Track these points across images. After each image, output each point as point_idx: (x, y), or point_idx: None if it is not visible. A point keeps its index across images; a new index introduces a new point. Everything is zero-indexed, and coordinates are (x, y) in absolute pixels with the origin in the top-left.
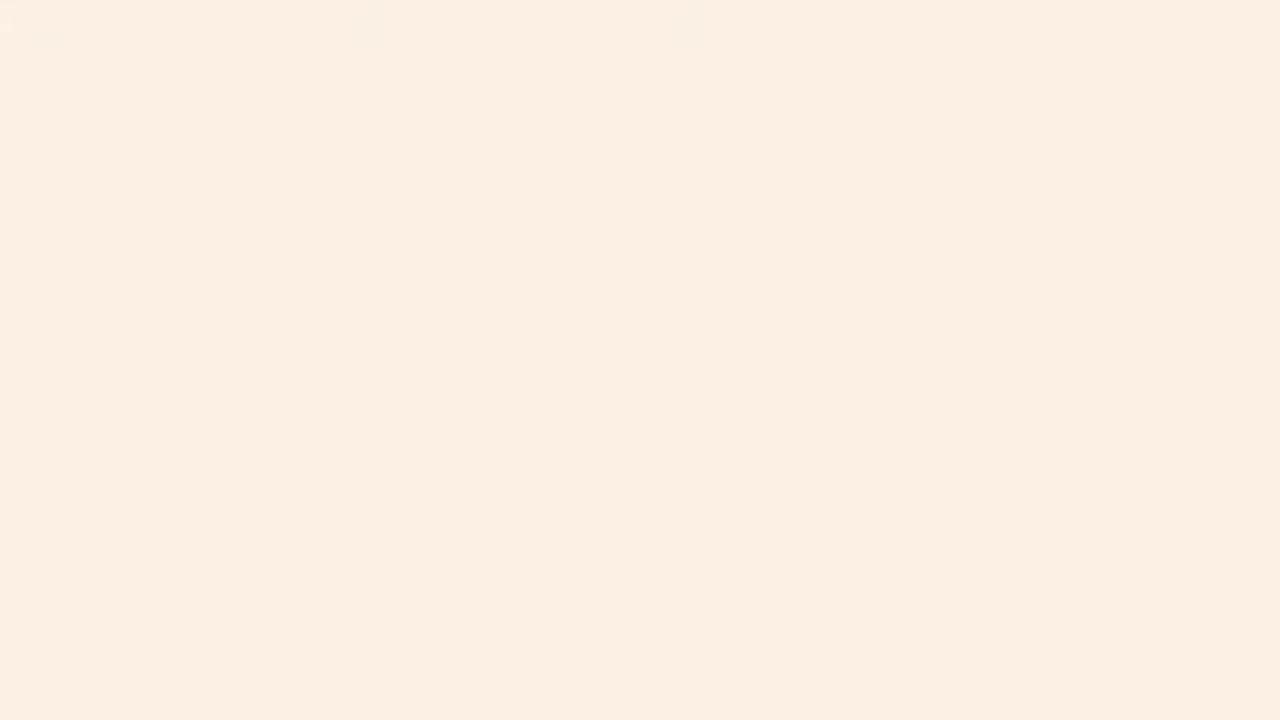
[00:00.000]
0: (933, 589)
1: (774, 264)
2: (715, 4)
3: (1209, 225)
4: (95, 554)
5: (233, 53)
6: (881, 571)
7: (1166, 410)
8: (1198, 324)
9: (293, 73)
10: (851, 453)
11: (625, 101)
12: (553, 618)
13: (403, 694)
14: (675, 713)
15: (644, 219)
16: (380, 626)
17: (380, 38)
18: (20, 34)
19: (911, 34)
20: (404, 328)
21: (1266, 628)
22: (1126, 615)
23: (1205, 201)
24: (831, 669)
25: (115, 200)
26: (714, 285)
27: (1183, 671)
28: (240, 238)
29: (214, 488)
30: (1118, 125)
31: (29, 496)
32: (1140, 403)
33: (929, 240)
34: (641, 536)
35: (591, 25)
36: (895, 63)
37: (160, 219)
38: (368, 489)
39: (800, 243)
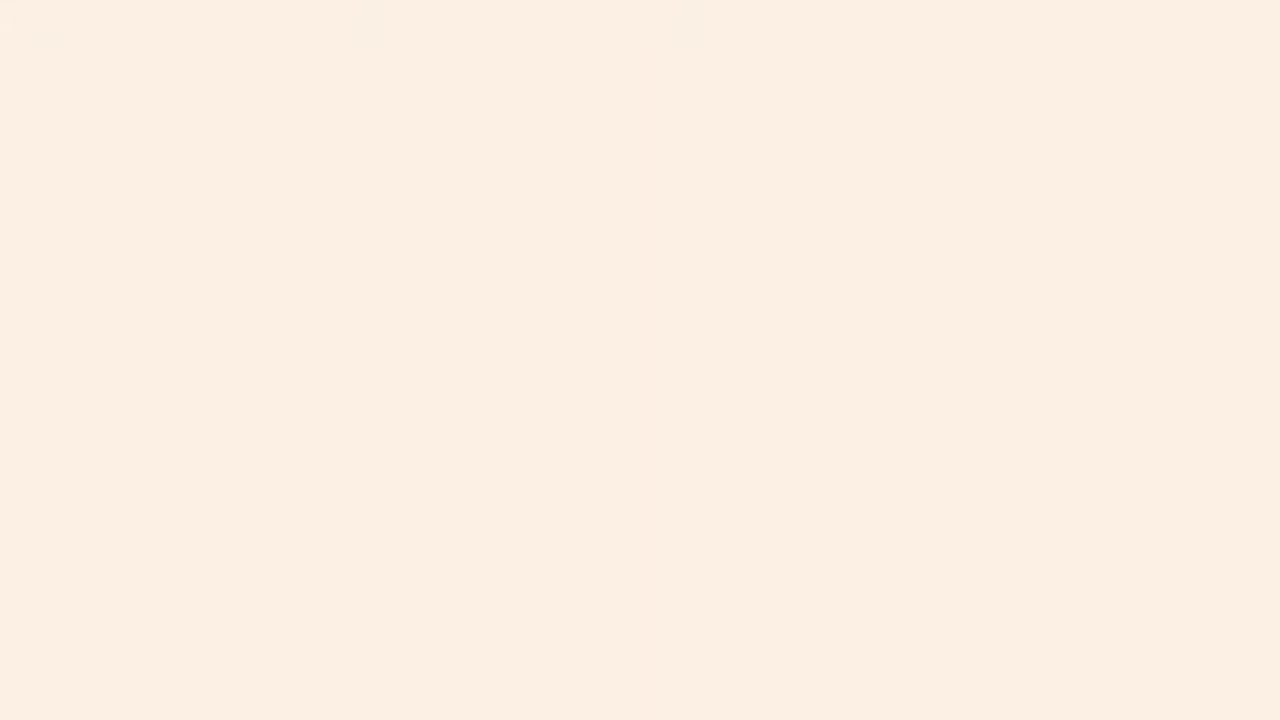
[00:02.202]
0: (932, 588)
1: (773, 263)
2: (715, 4)
3: (1209, 225)
4: (95, 553)
5: (233, 52)
6: (881, 571)
7: (1166, 409)
8: (1197, 323)
9: (293, 72)
10: (851, 452)
11: (625, 101)
12: (553, 617)
13: (403, 694)
14: (675, 713)
15: (644, 218)
16: (380, 626)
17: (380, 38)
18: (20, 34)
19: (911, 33)
20: (404, 327)
21: (1267, 628)
22: (1126, 614)
23: (1205, 201)
24: (831, 669)
25: (115, 200)
26: (713, 284)
27: (1183, 671)
28: (240, 237)
29: (213, 486)
30: (1117, 126)
31: (29, 496)
32: (1140, 402)
33: (928, 239)
34: (641, 535)
35: (591, 25)
36: (895, 62)
37: (160, 218)
38: (367, 487)
39: (800, 242)
